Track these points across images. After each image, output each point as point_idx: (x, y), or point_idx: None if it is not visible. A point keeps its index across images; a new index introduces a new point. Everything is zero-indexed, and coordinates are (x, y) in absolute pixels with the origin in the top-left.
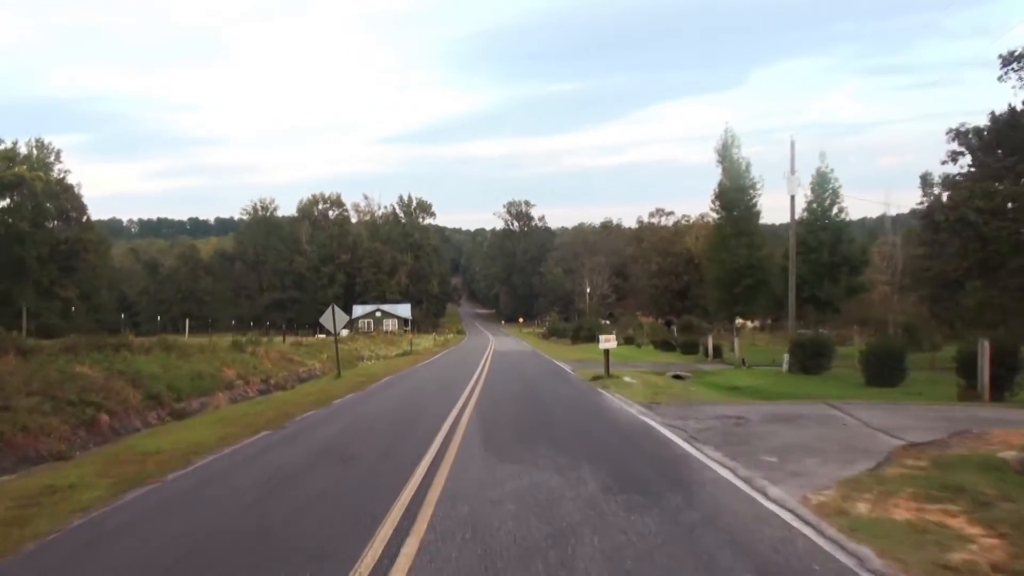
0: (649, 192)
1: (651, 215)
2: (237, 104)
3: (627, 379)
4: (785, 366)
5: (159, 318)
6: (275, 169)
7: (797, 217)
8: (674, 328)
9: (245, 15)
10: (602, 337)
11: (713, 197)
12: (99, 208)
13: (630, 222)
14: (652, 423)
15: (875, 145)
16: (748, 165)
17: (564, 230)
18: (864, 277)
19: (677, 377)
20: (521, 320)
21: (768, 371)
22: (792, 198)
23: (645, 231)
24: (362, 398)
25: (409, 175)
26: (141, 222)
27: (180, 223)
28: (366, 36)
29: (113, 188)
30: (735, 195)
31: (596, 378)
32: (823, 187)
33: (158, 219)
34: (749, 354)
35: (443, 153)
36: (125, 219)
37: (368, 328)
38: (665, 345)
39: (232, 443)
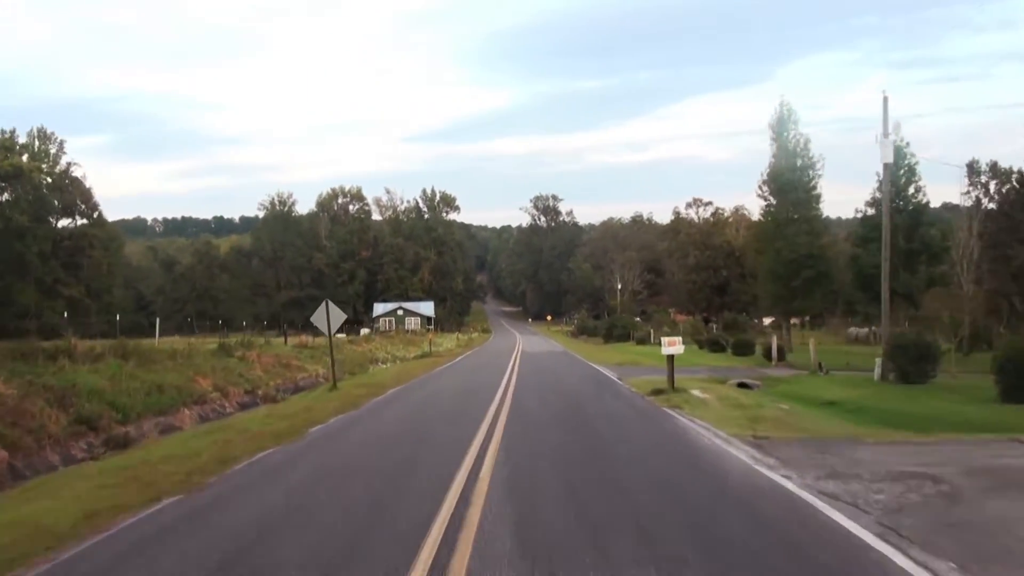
0: (674, 189)
1: (688, 206)
2: (261, 103)
3: (696, 392)
4: (877, 372)
5: (172, 317)
6: (299, 168)
7: (867, 200)
8: (713, 326)
9: (269, 14)
10: (665, 340)
11: (762, 180)
12: (124, 208)
13: (659, 218)
14: (790, 487)
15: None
16: (807, 142)
17: (591, 227)
18: (946, 266)
19: (743, 386)
20: (549, 318)
21: (854, 378)
22: (885, 166)
23: (681, 223)
24: (349, 424)
25: (433, 173)
26: (165, 221)
27: (205, 222)
28: (389, 35)
29: (139, 188)
30: (791, 176)
31: (657, 392)
32: (898, 163)
33: (183, 218)
34: (799, 356)
35: (467, 151)
36: (150, 219)
37: (389, 327)
38: (714, 345)
39: (87, 536)
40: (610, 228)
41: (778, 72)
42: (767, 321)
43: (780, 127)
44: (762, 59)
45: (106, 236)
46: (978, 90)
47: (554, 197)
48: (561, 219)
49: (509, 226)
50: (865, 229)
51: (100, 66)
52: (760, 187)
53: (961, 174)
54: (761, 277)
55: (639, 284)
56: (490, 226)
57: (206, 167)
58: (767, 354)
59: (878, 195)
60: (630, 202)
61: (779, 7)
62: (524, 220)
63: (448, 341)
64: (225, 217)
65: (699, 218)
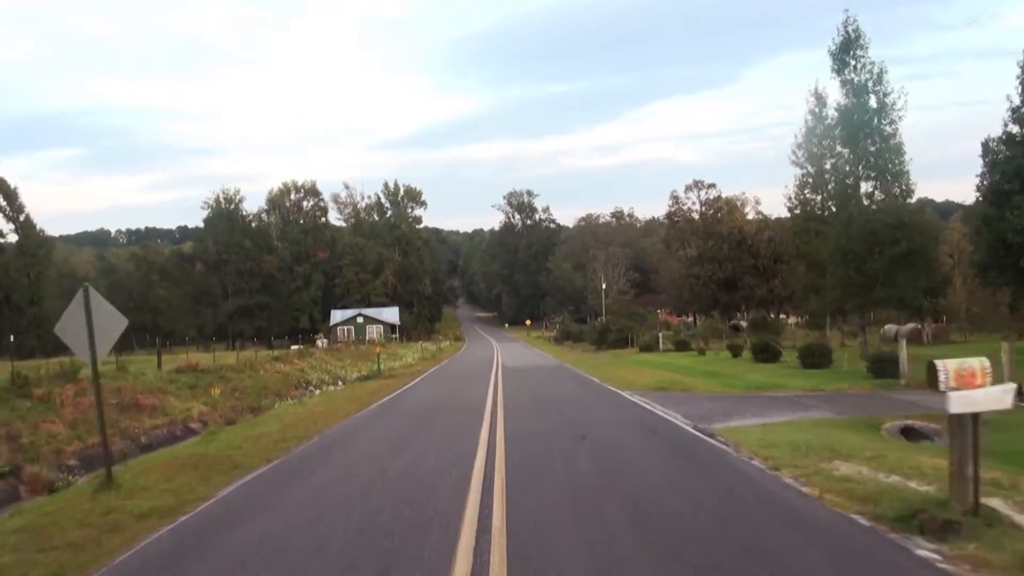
0: (647, 191)
1: (687, 188)
2: (228, 115)
3: None
4: None
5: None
6: (266, 178)
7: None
8: (736, 326)
9: (236, 26)
10: (949, 368)
11: (796, 145)
12: (92, 221)
13: (640, 214)
14: None
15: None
16: (881, 73)
17: (566, 229)
18: None
19: (910, 433)
20: (528, 322)
21: None
22: None
23: (678, 212)
24: None
25: (403, 180)
26: (128, 232)
27: (168, 232)
28: (355, 43)
29: (108, 201)
30: (864, 119)
31: (905, 518)
32: None
33: (146, 228)
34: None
35: (437, 158)
36: (113, 230)
37: (348, 336)
38: (763, 353)
39: None
40: (590, 224)
41: (744, 73)
42: (791, 320)
43: (845, 51)
44: (728, 61)
45: (34, 244)
46: (946, 88)
47: (529, 193)
48: (537, 217)
49: (481, 229)
50: (1004, 178)
51: (67, 79)
52: (794, 152)
53: None
54: (828, 259)
55: (625, 283)
56: (462, 231)
57: (173, 179)
58: (875, 369)
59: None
60: (603, 206)
61: (744, 9)
62: (497, 224)
63: (410, 353)
64: (190, 227)
65: (700, 202)
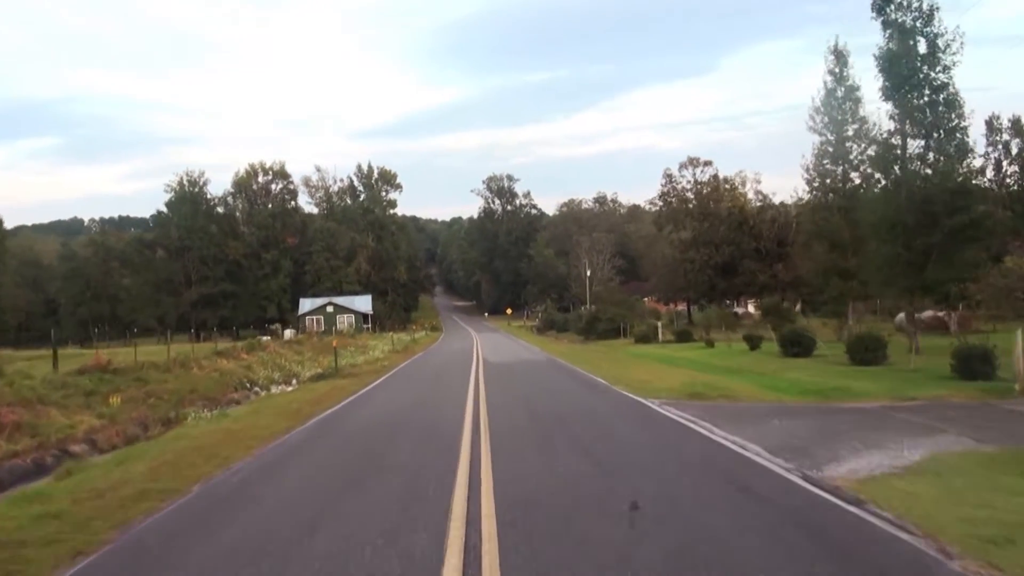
0: (627, 180)
1: (682, 166)
2: (205, 103)
3: None
4: None
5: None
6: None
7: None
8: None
9: (214, 14)
10: None
11: (814, 109)
12: (67, 210)
13: (624, 199)
14: None
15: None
16: (932, 12)
17: (547, 217)
18: None
19: None
20: (509, 311)
21: None
22: None
23: (672, 191)
24: None
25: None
26: (103, 220)
27: (143, 220)
28: (334, 32)
29: (85, 190)
30: (914, 68)
31: None
32: None
33: (120, 217)
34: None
35: (415, 147)
36: (87, 219)
37: (317, 327)
38: (795, 346)
39: None
40: (572, 210)
41: (723, 61)
42: (797, 307)
43: None
44: (707, 49)
45: None
46: (866, 109)
47: (509, 178)
48: (518, 202)
49: (460, 217)
50: None
51: (44, 68)
52: (812, 117)
53: None
54: (868, 236)
55: (610, 270)
56: (441, 219)
57: (150, 168)
58: (963, 367)
59: None
60: (583, 195)
61: None
62: (476, 211)
63: (381, 345)
64: (166, 213)
65: (696, 181)
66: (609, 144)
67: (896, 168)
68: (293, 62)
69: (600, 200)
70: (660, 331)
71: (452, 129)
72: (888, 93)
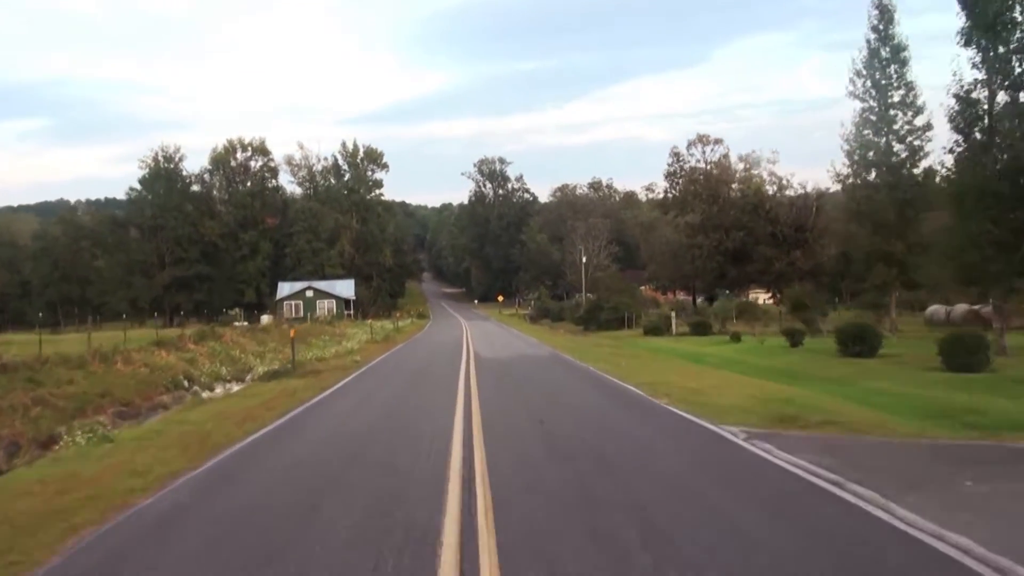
0: (617, 170)
1: (690, 144)
2: (196, 88)
3: None
4: None
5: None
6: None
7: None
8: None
9: None
10: None
11: (866, 57)
12: (54, 192)
13: (619, 185)
14: None
15: (839, 121)
16: None
17: (539, 203)
18: None
19: None
20: (500, 298)
21: None
22: None
23: (679, 172)
24: None
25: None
26: (88, 203)
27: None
28: (324, 17)
29: (75, 172)
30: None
31: None
32: None
33: (106, 199)
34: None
35: (404, 133)
36: (73, 200)
37: (294, 312)
38: (855, 343)
39: None
40: (567, 195)
41: (714, 54)
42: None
43: None
44: (698, 40)
45: None
46: (913, 72)
47: (501, 161)
48: (510, 186)
49: (450, 203)
50: None
51: (34, 50)
52: (852, 80)
53: None
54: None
55: (606, 257)
56: (431, 206)
57: (139, 151)
58: None
59: None
60: (577, 180)
61: None
62: (467, 197)
63: (360, 334)
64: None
65: (706, 161)
66: (600, 134)
67: (980, 129)
68: (281, 47)
69: (595, 186)
70: (674, 323)
71: (442, 117)
72: (969, 36)
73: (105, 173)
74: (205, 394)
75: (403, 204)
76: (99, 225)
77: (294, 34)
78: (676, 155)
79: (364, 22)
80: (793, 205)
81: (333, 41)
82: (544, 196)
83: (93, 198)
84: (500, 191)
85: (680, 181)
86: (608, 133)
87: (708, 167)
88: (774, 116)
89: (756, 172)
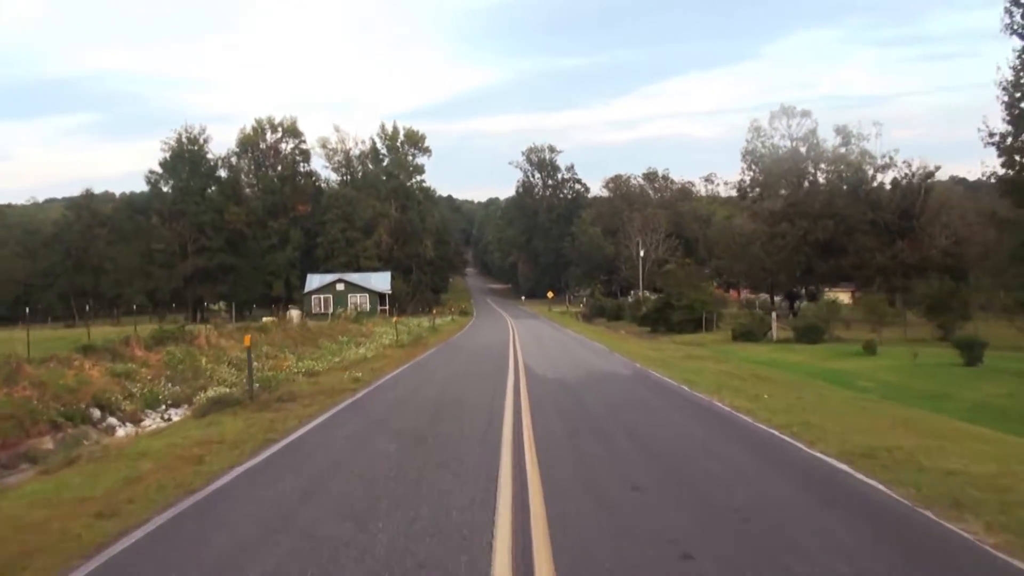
0: (662, 167)
1: (773, 116)
2: (241, 81)
3: None
4: None
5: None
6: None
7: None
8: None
9: None
10: None
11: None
12: (98, 187)
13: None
14: None
15: (888, 118)
16: None
17: (589, 194)
18: None
19: None
20: (550, 295)
21: None
22: None
23: (756, 151)
24: None
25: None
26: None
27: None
28: (370, 12)
29: (125, 167)
30: None
31: None
32: None
33: (141, 192)
34: None
35: (450, 129)
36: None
37: (322, 307)
38: None
39: None
40: (621, 185)
41: (763, 49)
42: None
43: None
44: (747, 36)
45: None
46: (965, 68)
47: (551, 149)
48: (560, 176)
49: (497, 198)
50: None
51: (81, 45)
52: (1009, 10)
53: None
54: None
55: (665, 251)
56: (477, 201)
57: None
58: None
59: None
60: (630, 170)
61: None
62: (513, 189)
63: (385, 335)
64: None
65: (791, 137)
66: (647, 131)
67: None
68: (327, 43)
69: (650, 177)
70: (774, 326)
71: (487, 113)
72: None
73: (149, 167)
74: (120, 432)
75: (449, 198)
76: (116, 212)
77: (338, 29)
78: (756, 130)
79: (409, 17)
80: (897, 187)
81: (378, 36)
82: (595, 190)
83: (127, 191)
84: (549, 181)
85: (761, 160)
86: (655, 130)
87: (793, 143)
88: (824, 113)
89: (854, 148)
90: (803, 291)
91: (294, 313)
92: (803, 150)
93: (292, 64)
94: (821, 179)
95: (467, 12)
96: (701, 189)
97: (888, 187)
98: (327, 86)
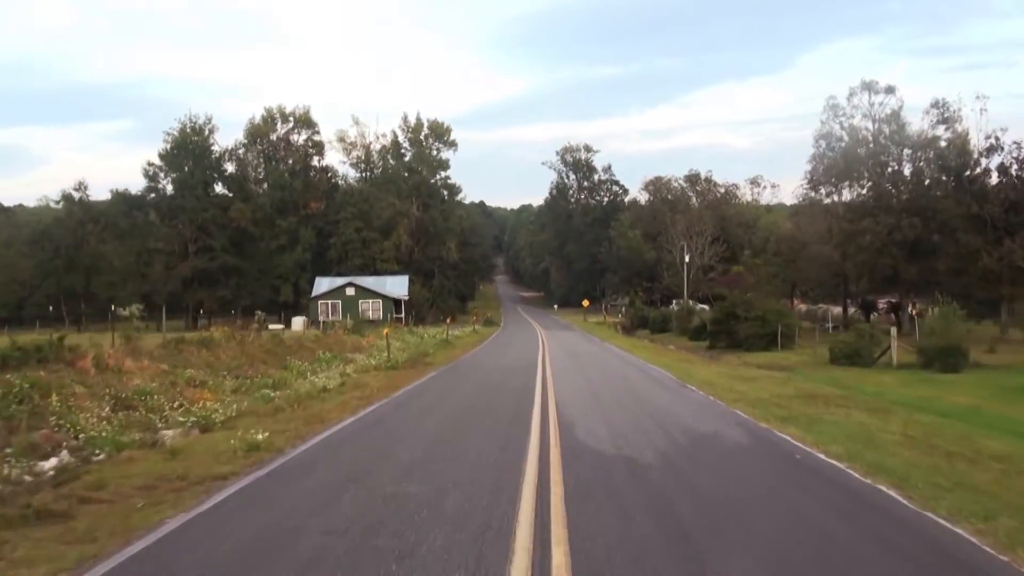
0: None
1: (851, 92)
2: (275, 88)
3: None
4: None
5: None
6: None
7: None
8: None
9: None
10: None
11: None
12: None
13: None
14: None
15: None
16: None
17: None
18: None
19: None
20: (585, 304)
21: None
22: None
23: (831, 134)
24: None
25: (451, 160)
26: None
27: None
28: (405, 20)
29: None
30: None
31: None
32: None
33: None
34: None
35: (484, 139)
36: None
37: (330, 313)
38: None
39: None
40: (661, 188)
41: (800, 59)
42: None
43: None
44: (783, 46)
45: None
46: (1003, 78)
47: (587, 148)
48: (597, 178)
49: (530, 204)
50: None
51: (115, 51)
52: None
53: None
54: None
55: (712, 257)
56: (509, 208)
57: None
58: None
59: None
60: (671, 172)
61: None
62: (547, 192)
63: (383, 350)
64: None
65: (873, 117)
66: (683, 140)
67: None
68: (360, 52)
69: (692, 179)
70: (894, 348)
71: (522, 121)
72: None
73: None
74: None
75: (481, 204)
76: (112, 207)
77: (373, 37)
78: (833, 108)
79: (444, 25)
80: (1006, 174)
81: (413, 44)
82: (633, 194)
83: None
84: (585, 183)
85: (839, 144)
86: (692, 139)
87: (876, 125)
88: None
89: (955, 127)
90: (877, 302)
91: (296, 321)
92: (888, 131)
93: (327, 72)
94: (907, 168)
95: (503, 21)
96: (747, 193)
97: (996, 174)
98: (361, 95)
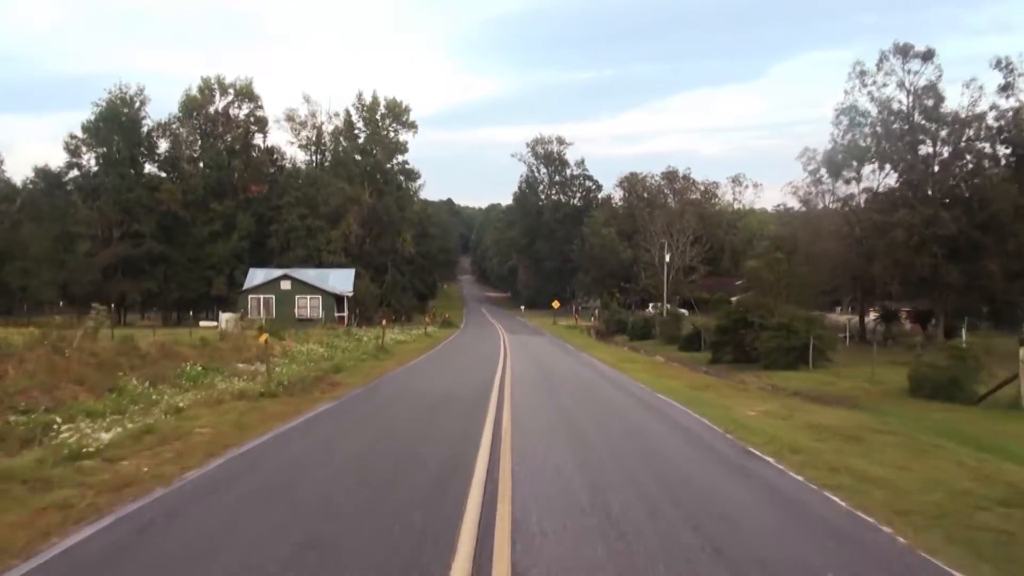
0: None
1: (881, 59)
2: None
3: None
4: None
5: None
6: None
7: None
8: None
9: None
10: None
11: None
12: None
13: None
14: None
15: None
16: None
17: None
18: None
19: None
20: (555, 305)
21: None
22: None
23: (853, 109)
24: None
25: (421, 159)
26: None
27: None
28: (381, 22)
29: None
30: None
31: None
32: None
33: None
34: None
35: (455, 139)
36: None
37: (262, 310)
38: None
39: None
40: (637, 185)
41: (773, 69)
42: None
43: None
44: (757, 55)
45: None
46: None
47: (560, 141)
48: (569, 172)
49: (498, 204)
50: None
51: (116, 48)
52: None
53: None
54: None
55: (694, 257)
56: (478, 207)
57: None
58: None
59: None
60: (648, 169)
61: (775, 3)
62: (515, 191)
63: (291, 361)
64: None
65: (907, 88)
66: (654, 145)
67: None
68: (338, 49)
69: (670, 175)
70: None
71: (493, 123)
72: None
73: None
74: None
75: (449, 202)
76: (32, 185)
77: (349, 39)
78: (860, 75)
79: (418, 28)
80: None
81: (390, 46)
82: (607, 192)
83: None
84: (557, 177)
85: (867, 119)
86: (663, 145)
87: (910, 97)
88: (828, 132)
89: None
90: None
91: (225, 317)
92: (927, 104)
93: (302, 72)
94: (945, 150)
95: (476, 23)
96: (728, 192)
97: None
98: (339, 93)
